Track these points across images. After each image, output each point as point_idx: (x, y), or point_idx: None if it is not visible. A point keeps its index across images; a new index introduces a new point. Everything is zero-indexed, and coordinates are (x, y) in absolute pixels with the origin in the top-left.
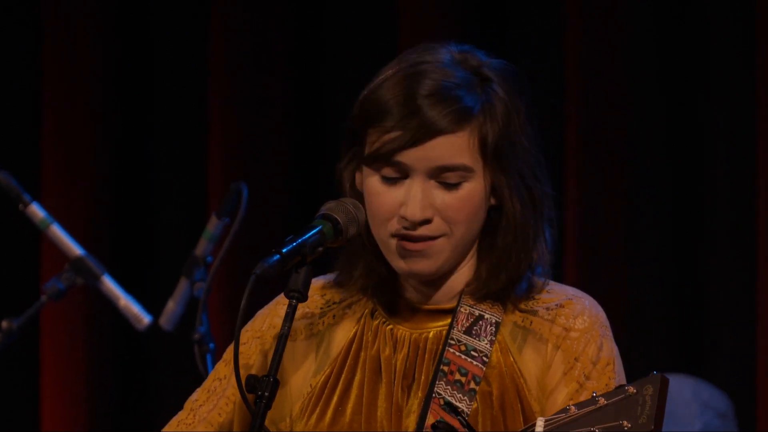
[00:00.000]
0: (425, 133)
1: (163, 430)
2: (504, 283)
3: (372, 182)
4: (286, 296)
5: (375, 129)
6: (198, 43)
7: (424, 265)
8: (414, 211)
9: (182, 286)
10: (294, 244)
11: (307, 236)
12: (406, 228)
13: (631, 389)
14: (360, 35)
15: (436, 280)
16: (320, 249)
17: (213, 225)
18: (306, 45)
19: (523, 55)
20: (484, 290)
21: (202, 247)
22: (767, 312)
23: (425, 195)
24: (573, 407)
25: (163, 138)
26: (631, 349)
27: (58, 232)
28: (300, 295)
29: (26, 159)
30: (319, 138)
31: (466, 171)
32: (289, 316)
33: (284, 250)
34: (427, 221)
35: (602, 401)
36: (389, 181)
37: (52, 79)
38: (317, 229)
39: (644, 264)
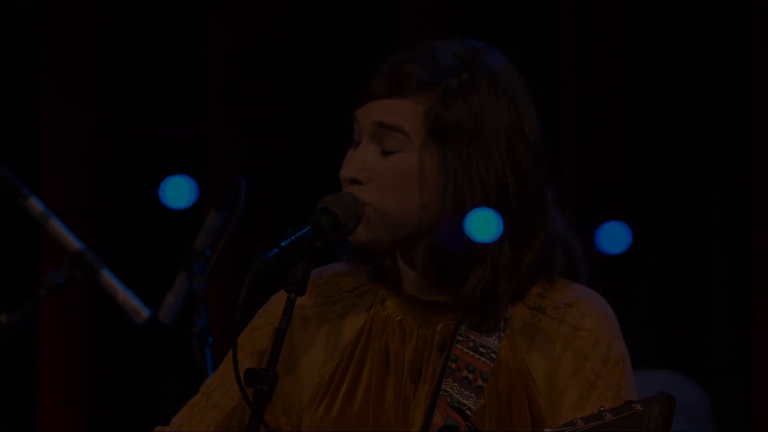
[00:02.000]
0: (373, 91)
1: (179, 413)
2: (459, 282)
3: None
4: (285, 290)
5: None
6: (195, 37)
7: (360, 232)
8: (347, 169)
9: (181, 279)
10: (293, 237)
11: (306, 230)
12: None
13: (638, 406)
14: (357, 29)
15: (412, 275)
16: (319, 243)
17: (212, 218)
18: (302, 38)
19: (519, 51)
20: (442, 286)
21: (201, 241)
22: (765, 314)
23: (363, 156)
24: (579, 421)
25: (161, 131)
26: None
27: (56, 225)
28: (298, 288)
29: (25, 152)
30: (317, 131)
31: (403, 135)
32: (287, 309)
33: (283, 244)
34: (357, 182)
35: (609, 416)
36: (355, 146)
37: (50, 71)
38: (316, 223)
39: (640, 267)
